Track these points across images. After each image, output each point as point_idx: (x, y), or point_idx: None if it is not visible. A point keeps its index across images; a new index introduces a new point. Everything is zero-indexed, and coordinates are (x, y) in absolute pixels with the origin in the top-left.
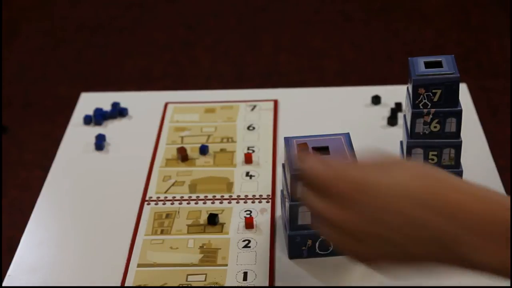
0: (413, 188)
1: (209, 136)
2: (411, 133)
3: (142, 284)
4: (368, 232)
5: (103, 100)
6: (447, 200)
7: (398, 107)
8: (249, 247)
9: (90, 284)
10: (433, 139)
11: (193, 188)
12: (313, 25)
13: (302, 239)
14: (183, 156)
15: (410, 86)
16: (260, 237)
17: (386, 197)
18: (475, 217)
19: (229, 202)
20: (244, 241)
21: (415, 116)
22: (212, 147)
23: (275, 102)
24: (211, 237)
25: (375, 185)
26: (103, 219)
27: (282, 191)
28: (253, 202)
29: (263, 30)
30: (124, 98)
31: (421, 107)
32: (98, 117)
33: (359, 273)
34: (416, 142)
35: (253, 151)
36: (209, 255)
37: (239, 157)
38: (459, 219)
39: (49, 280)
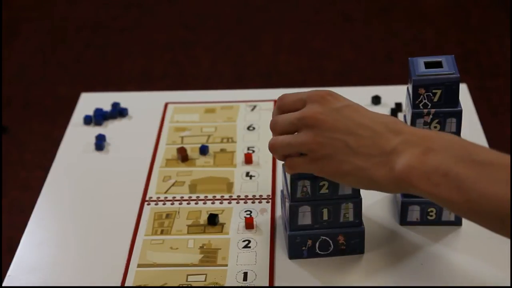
0: (383, 118)
1: (209, 136)
2: None
3: (142, 284)
4: (334, 132)
5: (103, 100)
6: (401, 128)
7: (398, 107)
8: (249, 247)
9: (90, 284)
10: None
11: (193, 188)
12: (313, 25)
13: (302, 239)
14: (183, 156)
15: (410, 86)
16: (260, 237)
17: (361, 116)
18: (415, 136)
19: (229, 202)
20: (244, 241)
21: (415, 116)
22: (212, 147)
23: (275, 102)
24: (211, 237)
25: (356, 108)
26: (103, 219)
27: (282, 191)
28: (253, 202)
29: (263, 30)
30: (124, 98)
31: (421, 107)
32: (98, 117)
33: (359, 273)
34: None
35: (253, 151)
36: (209, 255)
37: (239, 157)
38: (404, 135)
39: (49, 280)
